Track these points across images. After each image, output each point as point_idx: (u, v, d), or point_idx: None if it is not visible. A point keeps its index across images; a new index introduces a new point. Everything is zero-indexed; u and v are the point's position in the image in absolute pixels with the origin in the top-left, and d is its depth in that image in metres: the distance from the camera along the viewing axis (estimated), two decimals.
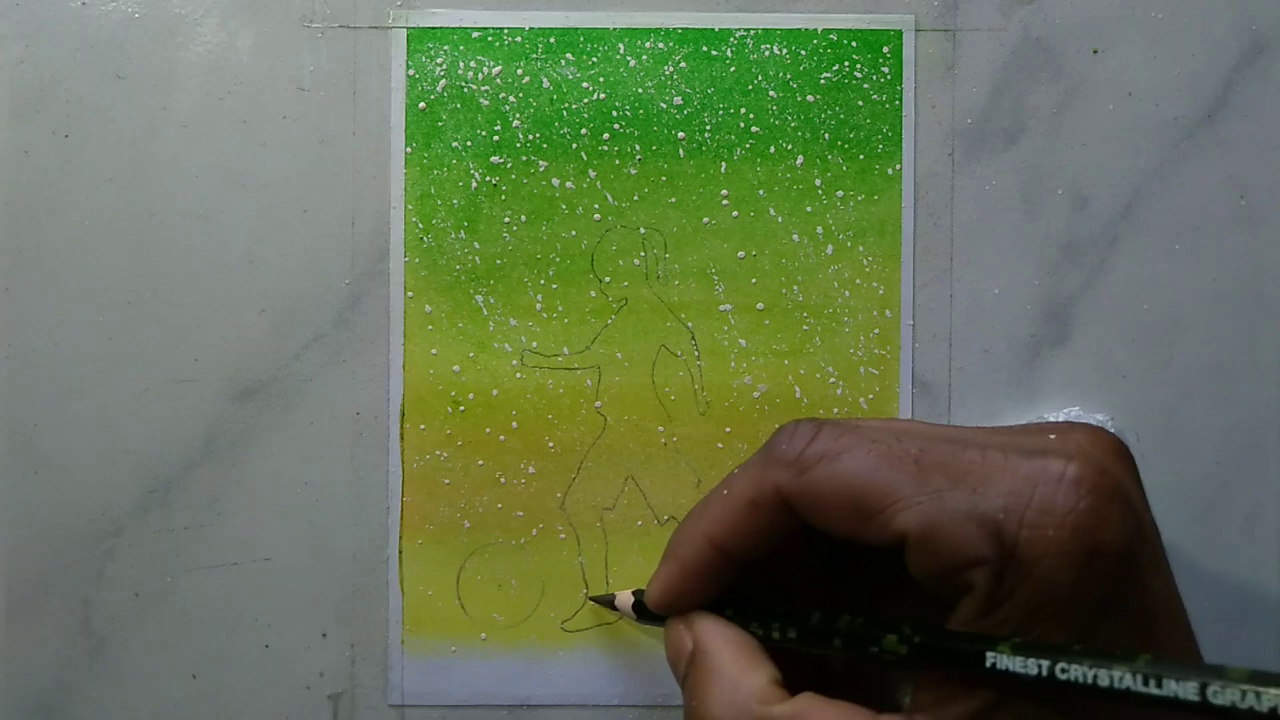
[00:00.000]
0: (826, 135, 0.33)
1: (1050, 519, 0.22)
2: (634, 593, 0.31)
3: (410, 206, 0.33)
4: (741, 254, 0.33)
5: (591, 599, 0.33)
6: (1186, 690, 0.20)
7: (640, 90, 0.33)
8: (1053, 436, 0.23)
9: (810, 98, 0.33)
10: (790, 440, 0.25)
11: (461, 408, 0.33)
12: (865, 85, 0.33)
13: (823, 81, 0.33)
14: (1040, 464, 0.22)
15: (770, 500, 0.25)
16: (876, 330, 0.34)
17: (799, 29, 0.33)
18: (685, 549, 0.27)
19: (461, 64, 0.33)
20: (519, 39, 0.33)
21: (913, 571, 0.24)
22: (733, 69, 0.33)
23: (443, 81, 0.33)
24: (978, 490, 0.23)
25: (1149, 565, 0.23)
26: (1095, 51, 0.34)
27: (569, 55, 0.33)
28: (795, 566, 0.28)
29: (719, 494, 0.26)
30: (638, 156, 0.33)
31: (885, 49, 0.33)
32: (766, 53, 0.33)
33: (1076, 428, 0.24)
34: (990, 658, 0.22)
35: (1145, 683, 0.20)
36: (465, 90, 0.33)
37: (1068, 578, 0.22)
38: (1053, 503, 0.22)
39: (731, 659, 0.26)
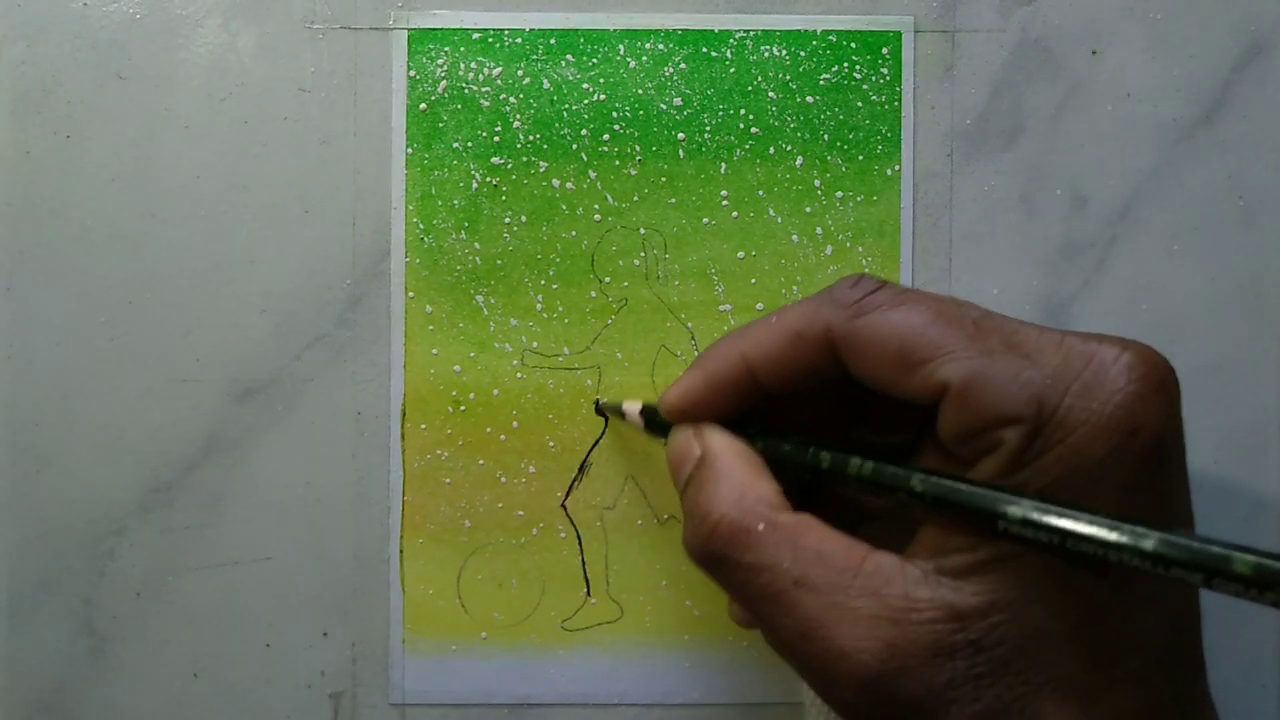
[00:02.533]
0: (826, 136, 0.33)
1: (1096, 394, 0.22)
2: (643, 404, 0.31)
3: (411, 207, 0.33)
4: (741, 254, 0.33)
5: (600, 404, 0.33)
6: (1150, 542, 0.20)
7: (640, 91, 0.34)
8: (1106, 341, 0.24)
9: (810, 99, 0.34)
10: (853, 287, 0.25)
11: (462, 407, 0.33)
12: (864, 86, 0.34)
13: (822, 82, 0.34)
14: (1095, 347, 0.23)
15: (817, 335, 0.25)
16: None
17: (798, 30, 0.34)
18: (715, 362, 0.27)
19: (462, 65, 0.33)
20: (519, 40, 0.33)
21: (943, 428, 0.24)
22: (732, 70, 0.34)
23: (443, 82, 0.33)
24: (1029, 357, 0.23)
25: (1177, 468, 0.23)
26: (1094, 52, 0.34)
27: (569, 56, 0.34)
28: (812, 426, 0.28)
29: (765, 320, 0.26)
30: (638, 157, 0.33)
31: (884, 50, 0.34)
32: (766, 54, 0.34)
33: (1131, 340, 0.24)
34: (1008, 502, 0.22)
35: (1162, 550, 0.20)
36: (466, 91, 0.33)
37: (1100, 451, 0.22)
38: (1102, 380, 0.22)
39: (740, 467, 0.26)
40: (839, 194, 0.34)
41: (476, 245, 0.33)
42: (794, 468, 0.26)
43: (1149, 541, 0.21)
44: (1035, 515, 0.21)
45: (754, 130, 0.33)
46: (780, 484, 0.26)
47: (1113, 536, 0.21)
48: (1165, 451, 0.23)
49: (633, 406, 0.31)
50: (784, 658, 0.24)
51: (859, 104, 0.34)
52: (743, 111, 0.33)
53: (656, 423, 0.29)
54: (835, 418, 0.29)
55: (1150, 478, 0.22)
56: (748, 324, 0.27)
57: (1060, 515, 0.21)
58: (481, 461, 0.33)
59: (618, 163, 0.33)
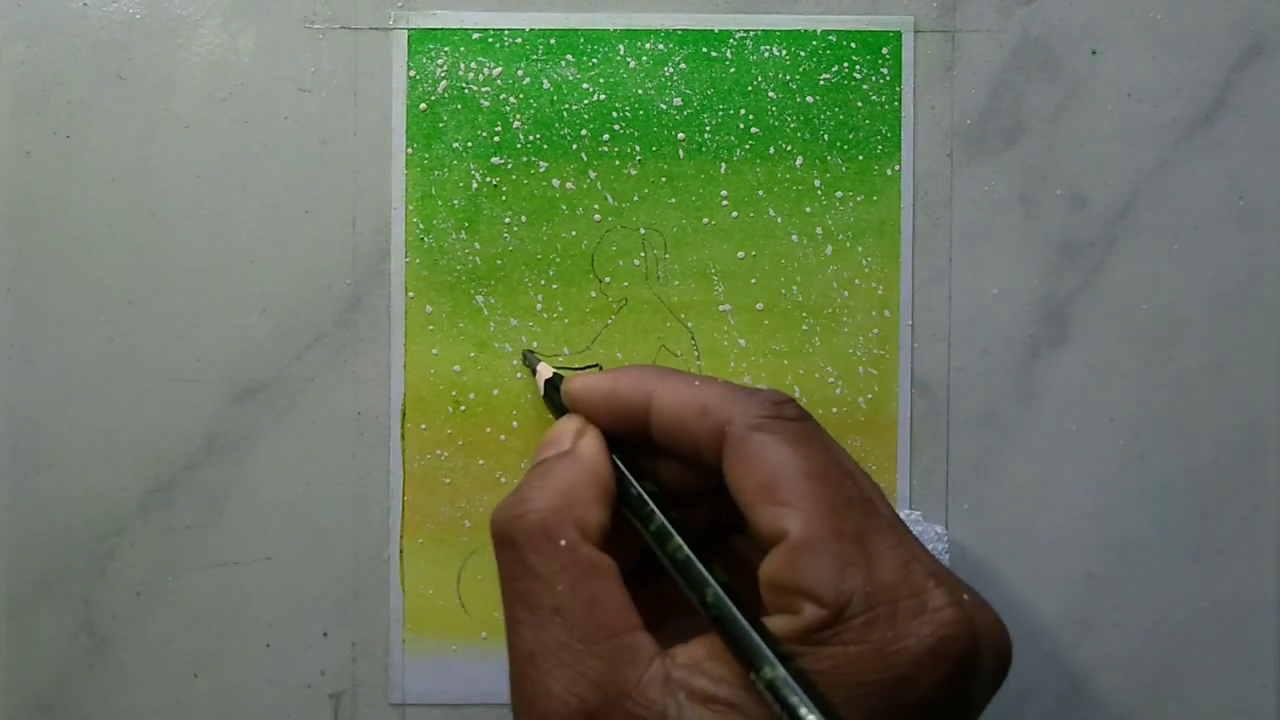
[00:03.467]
0: (826, 136, 0.34)
1: (898, 626, 0.23)
2: (557, 372, 0.31)
3: (411, 207, 0.33)
4: (741, 254, 0.33)
5: (526, 354, 0.33)
6: None
7: (640, 91, 0.34)
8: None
9: (810, 99, 0.34)
10: (776, 403, 0.26)
11: (462, 407, 0.33)
12: (864, 86, 0.34)
13: (822, 82, 0.34)
14: (930, 587, 0.23)
15: (715, 423, 0.25)
16: (875, 330, 0.34)
17: (798, 30, 0.34)
18: (627, 382, 0.27)
19: (462, 65, 0.33)
20: (519, 40, 0.33)
21: (763, 568, 0.24)
22: (732, 70, 0.34)
23: (444, 82, 0.33)
24: (870, 558, 0.23)
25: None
26: (1094, 52, 0.34)
27: (569, 56, 0.34)
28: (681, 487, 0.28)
29: (689, 378, 0.27)
30: (638, 157, 0.33)
31: (884, 50, 0.34)
32: (766, 54, 0.34)
33: (974, 602, 0.24)
34: (768, 660, 0.22)
35: None
36: (466, 91, 0.33)
37: (867, 677, 0.22)
38: (911, 618, 0.23)
39: (588, 483, 0.26)
40: (839, 194, 0.34)
41: (476, 245, 0.33)
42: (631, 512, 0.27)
43: None
44: (782, 687, 0.22)
45: (754, 130, 0.33)
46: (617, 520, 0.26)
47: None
48: (924, 715, 0.23)
49: (545, 370, 0.32)
50: (509, 663, 0.25)
51: (859, 104, 0.34)
52: (743, 111, 0.33)
53: (553, 397, 0.30)
54: (698, 492, 0.29)
55: None
56: (676, 371, 0.27)
57: (800, 701, 0.22)
58: (481, 461, 0.33)
59: (618, 163, 0.33)
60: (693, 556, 0.25)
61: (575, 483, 0.26)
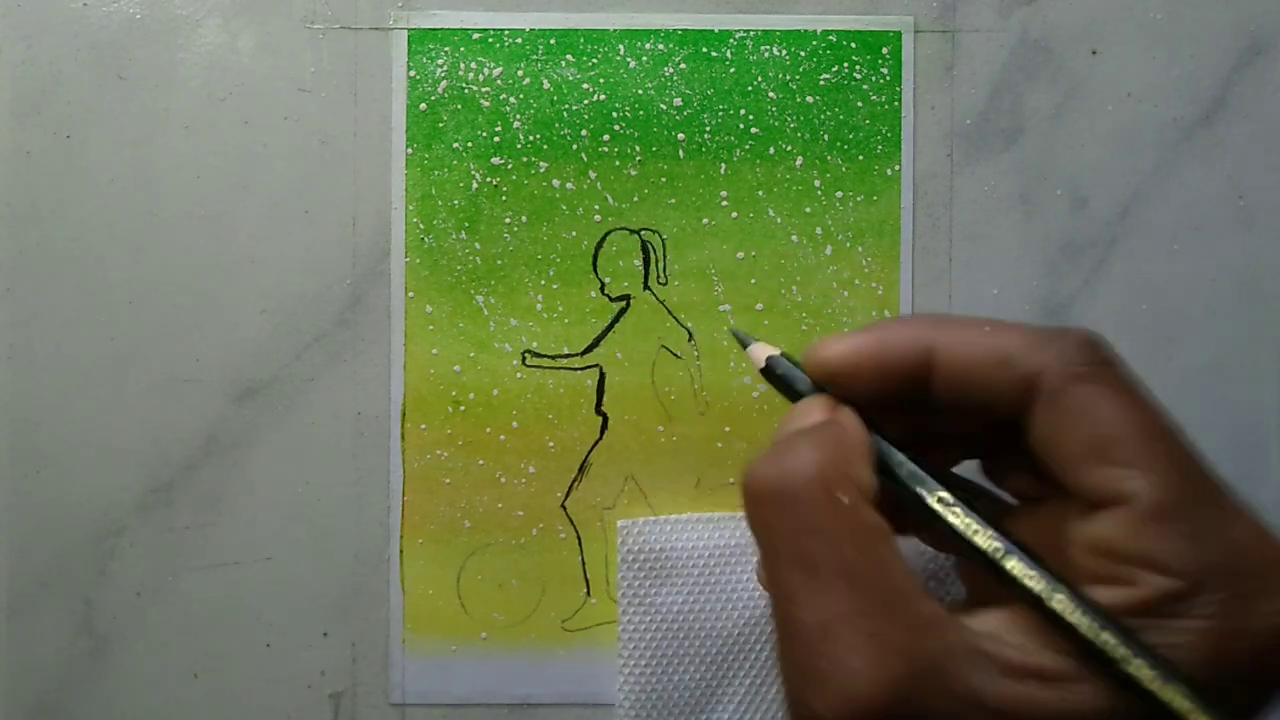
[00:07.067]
0: (826, 136, 0.33)
1: (1262, 599, 0.21)
2: (775, 354, 0.25)
3: (411, 207, 0.33)
4: (741, 255, 0.33)
5: (736, 332, 0.28)
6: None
7: (640, 91, 0.34)
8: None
9: (810, 99, 0.34)
10: (1091, 346, 0.22)
11: (462, 407, 0.33)
12: (864, 86, 0.34)
13: (822, 82, 0.34)
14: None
15: (1022, 374, 0.22)
16: None
17: (798, 30, 0.34)
18: (897, 338, 0.23)
19: (462, 65, 0.33)
20: (519, 40, 0.33)
21: (1094, 534, 0.21)
22: (732, 70, 0.33)
23: (444, 83, 0.33)
24: (1222, 525, 0.21)
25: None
26: (1094, 52, 0.34)
27: (569, 57, 0.34)
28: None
29: (974, 323, 0.23)
30: (638, 158, 0.33)
31: (884, 50, 0.34)
32: (766, 54, 0.34)
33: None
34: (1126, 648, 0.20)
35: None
36: (466, 91, 0.33)
37: (1226, 653, 0.20)
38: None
39: (858, 449, 0.23)
40: (839, 194, 0.34)
41: (476, 245, 0.33)
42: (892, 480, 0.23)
43: None
44: (1140, 668, 0.19)
45: (754, 130, 0.33)
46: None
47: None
48: None
49: (761, 351, 0.26)
50: (778, 635, 0.21)
51: (859, 104, 0.34)
52: (743, 111, 0.33)
53: (780, 378, 0.25)
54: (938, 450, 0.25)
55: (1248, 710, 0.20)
56: (943, 315, 0.24)
57: (1173, 681, 0.19)
58: (481, 461, 0.33)
59: (618, 163, 0.33)
60: (1024, 559, 0.21)
61: (846, 443, 0.22)
